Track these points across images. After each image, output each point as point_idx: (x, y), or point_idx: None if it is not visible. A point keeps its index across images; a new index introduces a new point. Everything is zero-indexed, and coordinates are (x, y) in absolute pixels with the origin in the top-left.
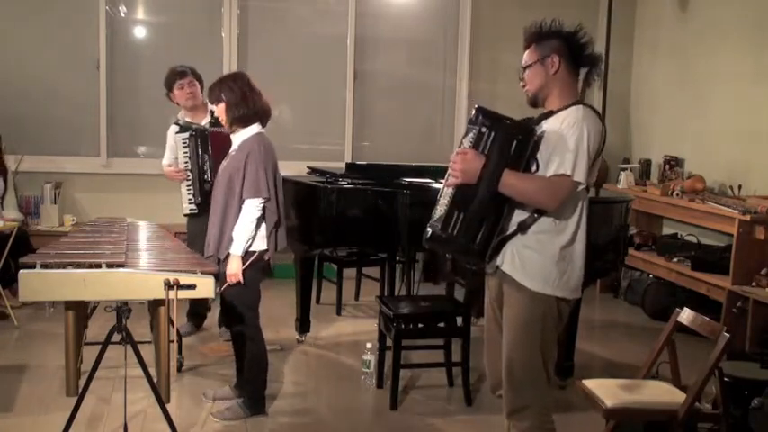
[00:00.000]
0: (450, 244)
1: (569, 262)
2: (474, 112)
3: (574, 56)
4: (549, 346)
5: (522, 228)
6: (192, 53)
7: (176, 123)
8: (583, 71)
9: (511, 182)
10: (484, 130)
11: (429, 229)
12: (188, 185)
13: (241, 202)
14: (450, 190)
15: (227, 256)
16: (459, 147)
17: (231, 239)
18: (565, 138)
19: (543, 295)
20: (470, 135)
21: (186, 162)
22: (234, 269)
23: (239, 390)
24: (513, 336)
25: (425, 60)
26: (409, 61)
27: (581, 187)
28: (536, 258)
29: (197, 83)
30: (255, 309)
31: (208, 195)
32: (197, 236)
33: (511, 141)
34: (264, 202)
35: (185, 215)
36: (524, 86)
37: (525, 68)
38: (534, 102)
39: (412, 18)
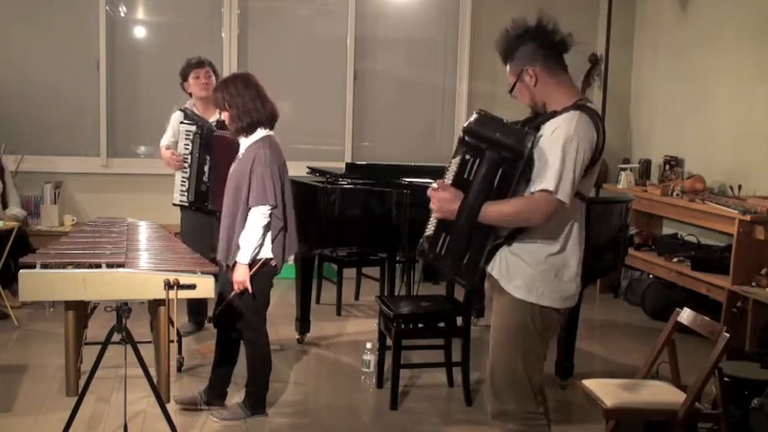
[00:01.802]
0: (439, 261)
1: (557, 271)
2: (462, 132)
3: (549, 51)
4: (533, 354)
5: (510, 236)
6: (192, 53)
7: (182, 110)
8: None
9: (491, 214)
10: (468, 157)
11: (420, 245)
12: (183, 177)
13: (247, 209)
14: None
15: (235, 263)
16: (447, 169)
17: (238, 247)
18: (552, 153)
19: (526, 303)
20: (456, 159)
21: (187, 156)
22: (241, 277)
23: (208, 394)
24: (496, 341)
25: (425, 60)
26: (409, 61)
27: (566, 205)
28: (521, 266)
29: (213, 75)
30: (262, 314)
31: (203, 196)
32: (190, 229)
33: (496, 170)
34: (271, 209)
35: (174, 204)
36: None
37: (510, 91)
38: (535, 112)
39: (412, 18)
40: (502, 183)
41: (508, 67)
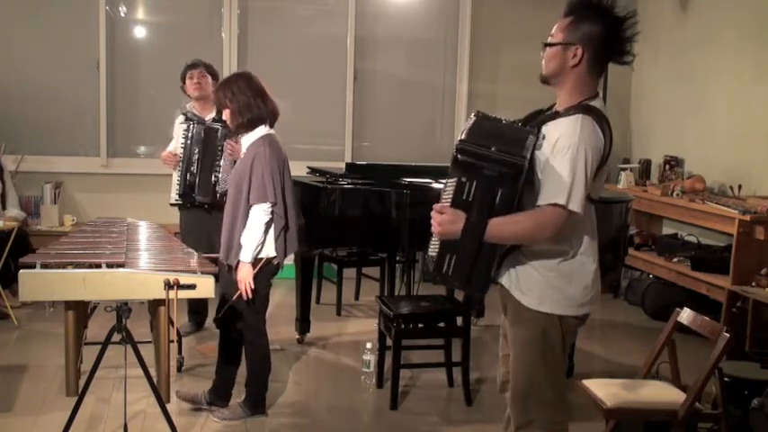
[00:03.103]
0: (447, 281)
1: (570, 278)
2: (455, 151)
3: (606, 48)
4: (554, 363)
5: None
6: (192, 53)
7: (183, 113)
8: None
9: (496, 232)
10: (464, 179)
11: (425, 265)
12: (178, 176)
13: (248, 207)
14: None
15: (238, 263)
16: (444, 189)
17: (240, 246)
18: (559, 163)
19: (541, 313)
20: (452, 180)
21: (181, 151)
22: (244, 275)
23: (211, 396)
24: (516, 352)
25: (425, 60)
26: (409, 61)
27: (576, 216)
28: (532, 274)
29: (208, 75)
30: (262, 314)
31: (191, 188)
32: (191, 228)
33: (494, 190)
34: (272, 207)
35: (171, 204)
36: (543, 59)
37: (546, 45)
38: (545, 81)
39: (412, 18)
40: (504, 199)
41: (565, 23)
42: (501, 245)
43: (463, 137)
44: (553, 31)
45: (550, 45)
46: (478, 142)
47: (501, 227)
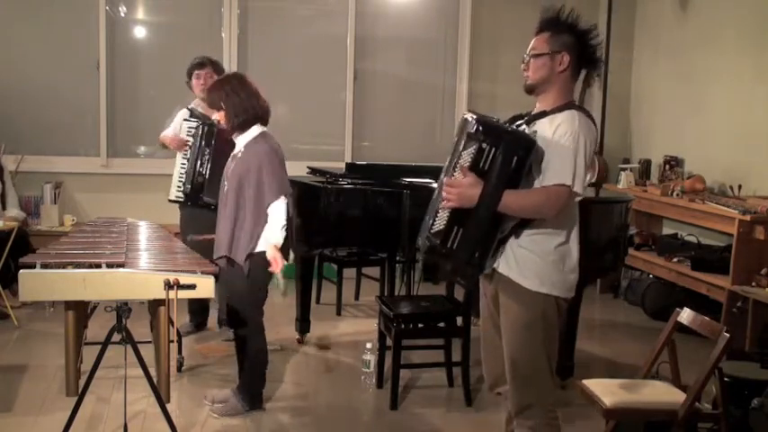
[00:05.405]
0: (449, 258)
1: (564, 261)
2: (474, 124)
3: (582, 56)
4: (552, 343)
5: (517, 230)
6: (192, 53)
7: (189, 110)
8: (582, 71)
9: (510, 203)
10: (485, 146)
11: (426, 242)
12: (181, 172)
13: (261, 205)
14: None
15: (248, 255)
16: (457, 158)
17: (247, 241)
18: (563, 147)
19: (541, 294)
20: (471, 149)
21: (186, 150)
22: (275, 254)
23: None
24: (514, 336)
25: (425, 60)
26: (409, 61)
27: (578, 198)
28: (532, 258)
29: (215, 75)
30: (260, 307)
31: (199, 187)
32: (189, 227)
33: (512, 159)
34: (287, 199)
35: (170, 200)
36: (525, 71)
37: (533, 56)
38: (531, 90)
39: (412, 18)
40: (514, 173)
41: (543, 37)
42: (500, 227)
43: (473, 116)
44: (533, 45)
45: (539, 56)
46: (492, 121)
47: (514, 197)
